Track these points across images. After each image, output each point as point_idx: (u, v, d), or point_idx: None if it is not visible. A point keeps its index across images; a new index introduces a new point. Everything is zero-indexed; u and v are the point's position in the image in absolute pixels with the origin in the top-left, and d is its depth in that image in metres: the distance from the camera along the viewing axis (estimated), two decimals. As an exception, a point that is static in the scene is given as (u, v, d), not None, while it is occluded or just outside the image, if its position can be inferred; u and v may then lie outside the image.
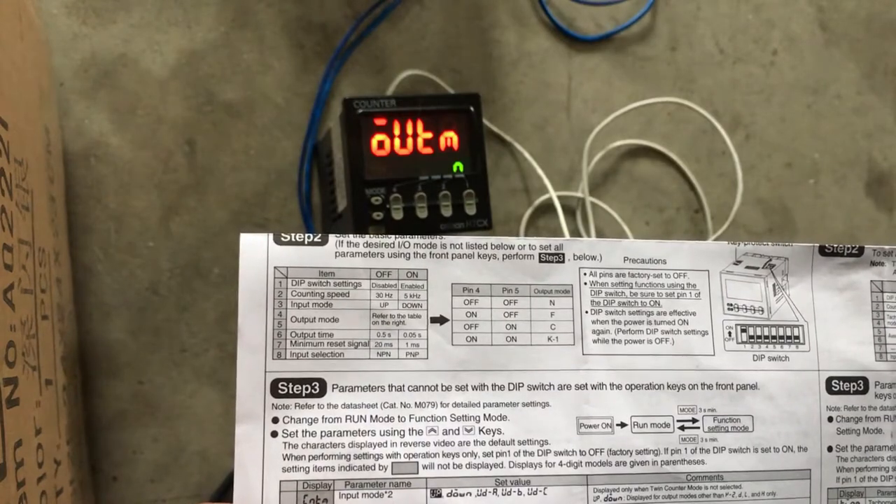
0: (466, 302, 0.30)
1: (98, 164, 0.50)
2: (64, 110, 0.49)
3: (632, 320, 0.31)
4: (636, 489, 0.31)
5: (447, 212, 0.45)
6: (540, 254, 0.31)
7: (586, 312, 0.31)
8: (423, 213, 0.45)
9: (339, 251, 0.30)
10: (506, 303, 0.31)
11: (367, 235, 0.30)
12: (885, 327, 0.33)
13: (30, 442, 0.32)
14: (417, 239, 0.30)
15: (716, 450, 0.31)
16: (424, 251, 0.30)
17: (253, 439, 0.29)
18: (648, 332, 0.31)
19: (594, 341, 0.31)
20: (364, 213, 0.44)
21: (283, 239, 0.30)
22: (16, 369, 0.31)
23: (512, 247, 0.31)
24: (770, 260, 0.32)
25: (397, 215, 0.45)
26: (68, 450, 0.40)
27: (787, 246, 0.32)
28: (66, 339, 0.43)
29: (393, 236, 0.30)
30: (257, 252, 0.29)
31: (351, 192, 0.45)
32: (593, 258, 0.31)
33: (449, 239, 0.30)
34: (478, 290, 0.31)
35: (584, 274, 0.31)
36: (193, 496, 0.49)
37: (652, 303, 0.31)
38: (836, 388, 0.32)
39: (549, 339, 0.31)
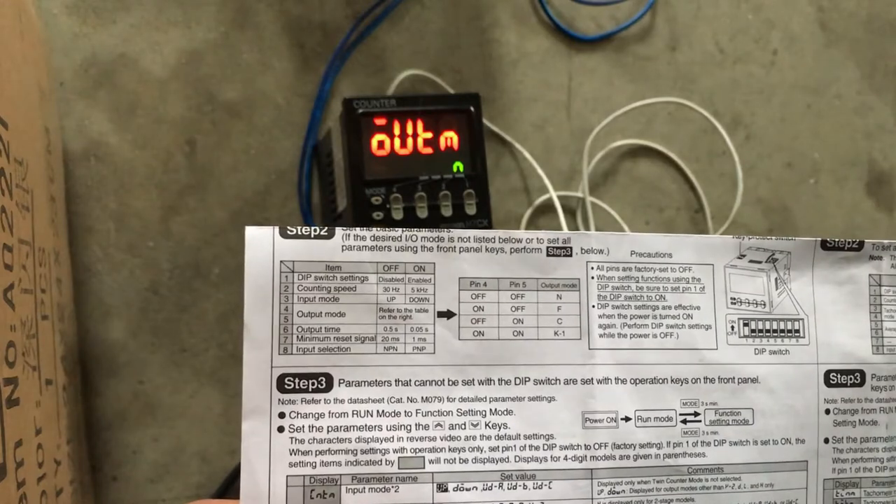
0: (473, 296, 0.30)
1: (98, 164, 0.49)
2: (64, 110, 0.49)
3: (637, 314, 0.31)
4: (639, 482, 0.31)
5: (447, 212, 0.45)
6: (548, 247, 0.31)
7: (593, 307, 0.31)
8: (423, 213, 0.45)
9: (345, 244, 0.30)
10: (513, 297, 0.31)
11: (374, 228, 0.30)
12: (881, 321, 0.33)
13: (30, 442, 0.32)
14: (425, 232, 0.30)
15: (716, 443, 0.31)
16: (432, 244, 0.30)
17: (259, 434, 0.28)
18: (653, 326, 0.31)
19: (600, 336, 0.31)
20: (364, 213, 0.44)
21: (289, 232, 0.29)
22: (16, 369, 0.31)
23: (520, 240, 0.31)
24: (773, 254, 0.32)
25: (397, 215, 0.45)
26: (68, 450, 0.40)
27: (790, 240, 0.32)
28: (66, 339, 0.43)
29: (400, 229, 0.30)
30: (263, 246, 0.29)
31: (351, 192, 0.45)
32: (601, 252, 0.31)
33: (456, 232, 0.30)
34: (485, 285, 0.30)
35: (592, 268, 0.31)
36: (193, 496, 0.49)
37: (657, 297, 0.31)
38: (833, 380, 0.32)
39: (555, 333, 0.31)
